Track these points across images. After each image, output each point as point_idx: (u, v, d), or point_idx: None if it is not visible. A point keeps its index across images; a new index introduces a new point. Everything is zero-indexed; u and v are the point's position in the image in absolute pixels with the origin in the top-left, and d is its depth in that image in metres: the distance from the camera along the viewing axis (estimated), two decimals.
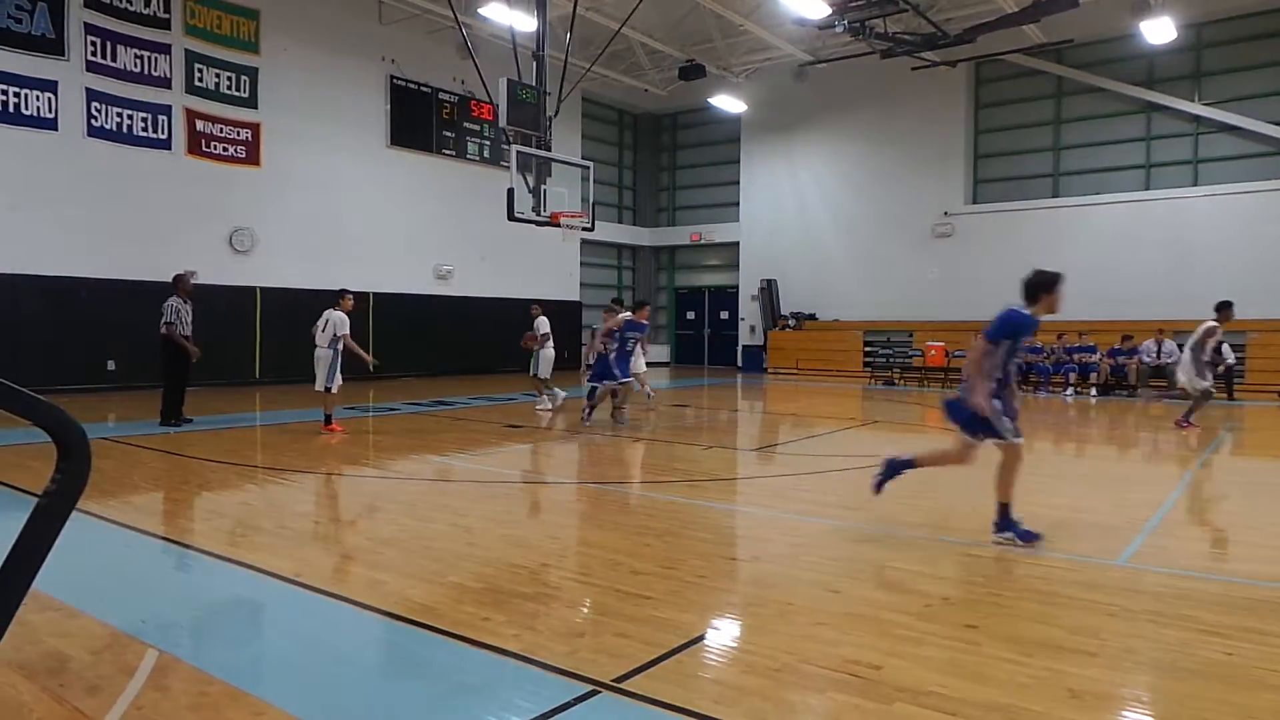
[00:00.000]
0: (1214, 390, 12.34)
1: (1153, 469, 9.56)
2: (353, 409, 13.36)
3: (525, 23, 15.99)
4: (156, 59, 15.61)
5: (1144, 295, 19.09)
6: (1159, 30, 17.29)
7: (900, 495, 7.18)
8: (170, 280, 11.27)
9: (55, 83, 14.35)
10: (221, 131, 16.61)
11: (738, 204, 26.21)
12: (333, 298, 10.62)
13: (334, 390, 10.27)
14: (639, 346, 13.25)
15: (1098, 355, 17.64)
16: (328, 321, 10.28)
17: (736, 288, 26.48)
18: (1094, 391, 17.47)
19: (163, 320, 10.72)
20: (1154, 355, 16.99)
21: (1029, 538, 5.31)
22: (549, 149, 14.47)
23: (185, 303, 10.92)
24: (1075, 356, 17.86)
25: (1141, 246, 19.30)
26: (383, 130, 19.51)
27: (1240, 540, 5.66)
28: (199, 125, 16.27)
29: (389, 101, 19.52)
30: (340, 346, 10.25)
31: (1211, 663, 3.48)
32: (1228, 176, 18.86)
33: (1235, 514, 6.58)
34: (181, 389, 11.04)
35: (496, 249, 21.46)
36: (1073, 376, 17.71)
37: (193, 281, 15.97)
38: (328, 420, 10.42)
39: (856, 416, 13.98)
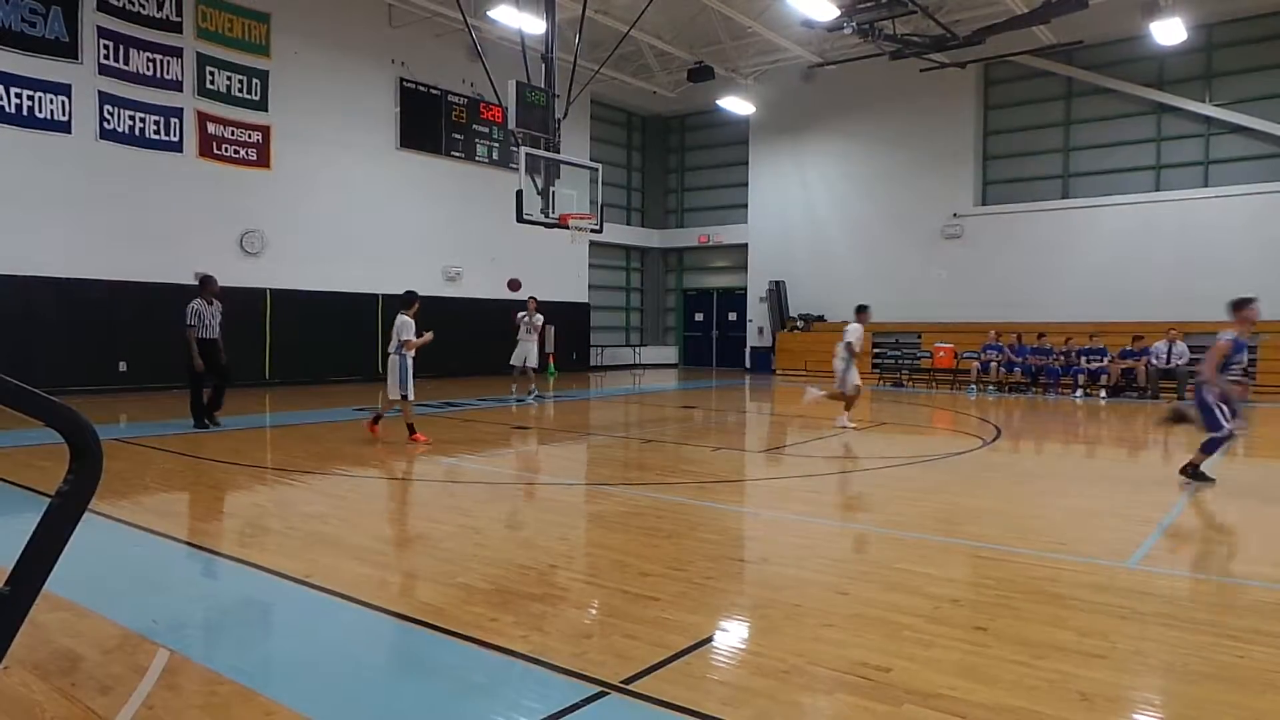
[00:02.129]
0: None
1: (1163, 470, 9.50)
2: (362, 410, 13.39)
3: (534, 25, 16.04)
4: (168, 62, 15.70)
5: (1154, 296, 19.01)
6: (1169, 31, 17.21)
7: (910, 497, 7.17)
8: (196, 282, 11.04)
9: (68, 86, 14.45)
10: (232, 134, 16.69)
11: (746, 206, 26.20)
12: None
13: (410, 397, 9.73)
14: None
15: (1107, 359, 17.55)
16: (394, 327, 9.92)
17: (745, 289, 26.47)
18: (1103, 393, 17.39)
19: (187, 321, 10.46)
20: (1164, 357, 16.89)
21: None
22: (558, 151, 14.50)
23: (210, 304, 10.61)
24: (1084, 359, 17.78)
25: (1152, 248, 19.22)
26: (392, 132, 19.57)
27: (1252, 543, 5.63)
28: (210, 128, 16.35)
29: (399, 104, 19.59)
30: (407, 352, 9.71)
31: (1223, 665, 3.46)
32: (1238, 177, 18.76)
33: (1247, 516, 6.54)
34: (202, 391, 10.76)
35: (505, 251, 21.48)
36: (1082, 378, 17.64)
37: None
38: (411, 430, 9.81)
39: (865, 418, 13.95)
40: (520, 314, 15.46)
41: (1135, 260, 19.40)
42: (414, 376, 9.75)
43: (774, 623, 3.98)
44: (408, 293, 10.10)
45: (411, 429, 9.76)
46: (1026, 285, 20.74)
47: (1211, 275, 18.41)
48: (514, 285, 12.15)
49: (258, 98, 17.06)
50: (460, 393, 16.47)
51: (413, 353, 9.70)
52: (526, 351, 15.24)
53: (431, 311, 20.04)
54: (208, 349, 10.51)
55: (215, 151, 16.47)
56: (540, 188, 14.08)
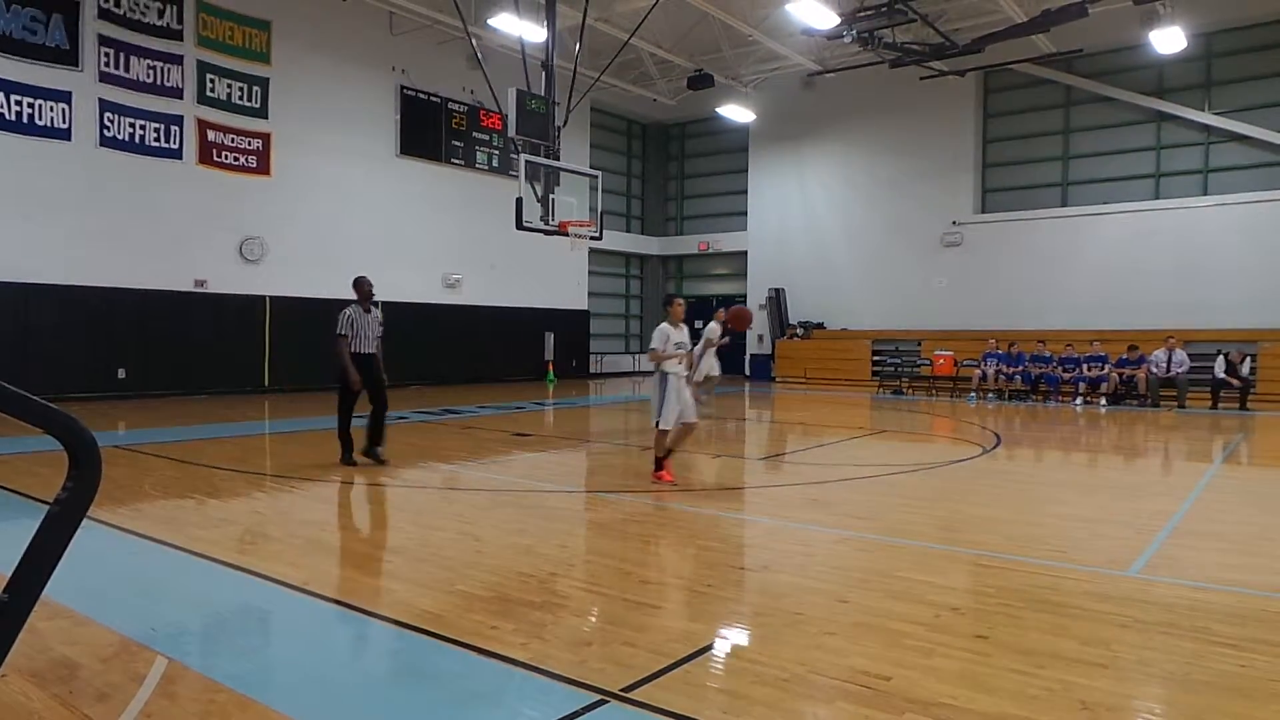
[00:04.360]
0: None
1: (1164, 479, 9.50)
2: (361, 417, 13.36)
3: (535, 33, 16.08)
4: (169, 70, 15.74)
5: (1153, 304, 19.02)
6: (1168, 40, 17.26)
7: (910, 504, 7.15)
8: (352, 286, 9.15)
9: (69, 93, 14.47)
10: (233, 141, 16.72)
11: (746, 213, 26.23)
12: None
13: (666, 427, 7.69)
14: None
15: (1107, 367, 17.54)
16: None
17: (744, 297, 26.47)
18: (1103, 401, 17.38)
19: (337, 330, 8.62)
20: (1164, 366, 16.89)
21: None
22: (558, 158, 14.52)
23: (366, 312, 8.73)
24: (1085, 366, 17.75)
25: (1151, 256, 19.24)
26: (392, 139, 19.61)
27: (1253, 551, 5.62)
28: (210, 135, 16.38)
29: (399, 111, 19.62)
30: (667, 369, 7.67)
31: (1224, 675, 3.45)
32: (1238, 186, 18.78)
33: (1248, 525, 6.53)
34: (347, 416, 8.69)
35: (505, 258, 21.52)
36: (1082, 386, 17.63)
37: (206, 289, 16.31)
38: (657, 464, 7.87)
39: (865, 425, 13.95)
40: (711, 324, 14.26)
41: (1134, 268, 19.42)
42: (671, 401, 7.65)
43: (774, 631, 3.97)
44: (666, 295, 8.17)
45: (659, 463, 7.86)
46: (1026, 293, 20.76)
47: (1211, 283, 18.45)
48: (742, 318, 10.23)
49: (258, 105, 17.09)
50: (460, 399, 16.46)
51: (680, 369, 7.79)
52: (711, 363, 14.17)
53: (432, 319, 20.19)
54: (362, 365, 8.59)
55: (215, 159, 16.49)
56: (540, 195, 14.10)
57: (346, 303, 8.91)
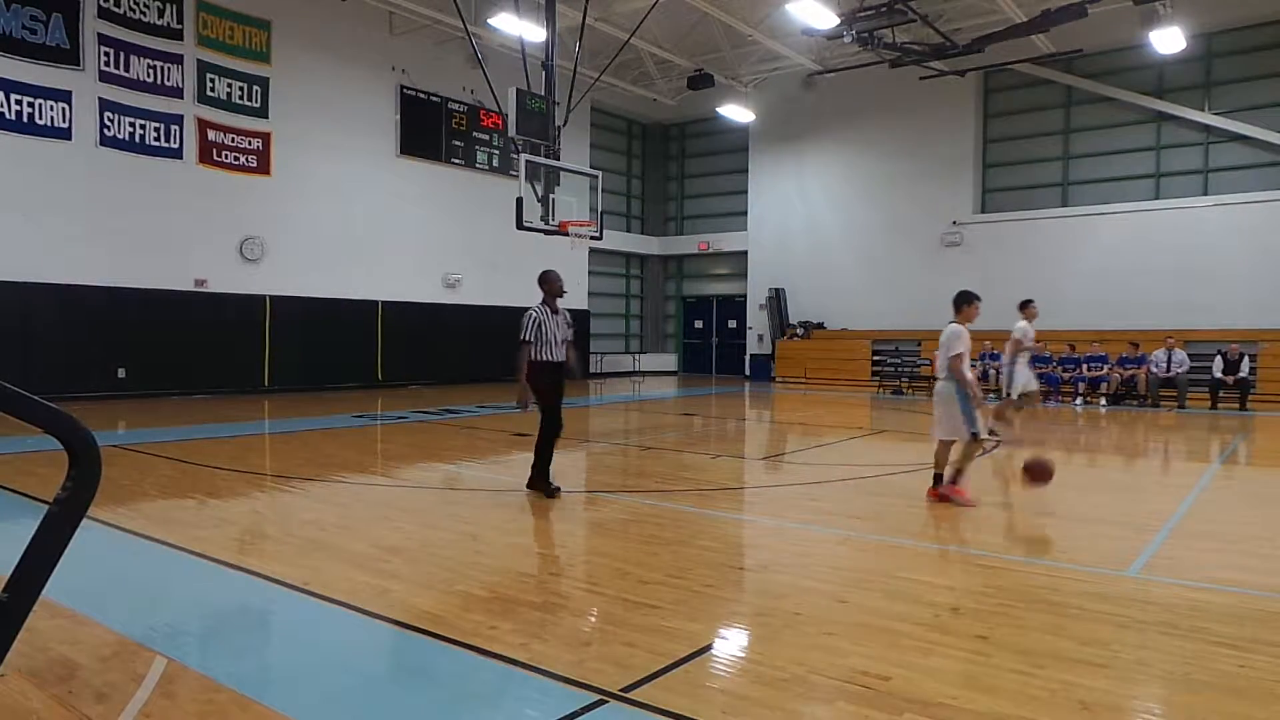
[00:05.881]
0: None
1: (1164, 479, 9.50)
2: (360, 417, 13.38)
3: (535, 33, 16.07)
4: (169, 69, 15.73)
5: (1153, 305, 19.02)
6: (1168, 40, 17.25)
7: (910, 505, 7.15)
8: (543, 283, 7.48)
9: (69, 93, 14.47)
10: (233, 141, 16.71)
11: (746, 213, 26.23)
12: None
13: (981, 435, 6.93)
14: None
15: (1107, 367, 17.54)
16: (941, 341, 7.07)
17: (744, 297, 26.48)
18: (1104, 401, 17.39)
19: (521, 335, 7.15)
20: (1163, 366, 16.90)
21: None
22: (558, 158, 14.51)
23: (553, 314, 7.24)
24: (1085, 366, 17.76)
25: (1151, 256, 19.23)
26: (393, 139, 19.60)
27: (1253, 552, 5.62)
28: (211, 135, 16.37)
29: (399, 111, 19.62)
30: (964, 373, 6.90)
31: (1224, 675, 3.45)
32: (1238, 186, 18.78)
33: (1247, 525, 6.53)
34: (549, 440, 7.20)
35: (505, 258, 21.51)
36: (1082, 386, 17.64)
37: (206, 289, 16.31)
38: (937, 480, 7.06)
39: (864, 425, 13.95)
40: (1021, 326, 11.82)
41: (1134, 268, 19.41)
42: (975, 409, 6.86)
43: (774, 631, 3.97)
44: (960, 294, 7.12)
45: (955, 478, 7.01)
46: (1025, 293, 20.53)
47: (1211, 283, 18.45)
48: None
49: (258, 104, 17.09)
50: (459, 399, 16.45)
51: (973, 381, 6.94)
52: (1027, 375, 11.82)
53: (431, 318, 20.19)
54: (550, 375, 7.18)
55: (215, 158, 16.49)
56: (540, 195, 14.09)
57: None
